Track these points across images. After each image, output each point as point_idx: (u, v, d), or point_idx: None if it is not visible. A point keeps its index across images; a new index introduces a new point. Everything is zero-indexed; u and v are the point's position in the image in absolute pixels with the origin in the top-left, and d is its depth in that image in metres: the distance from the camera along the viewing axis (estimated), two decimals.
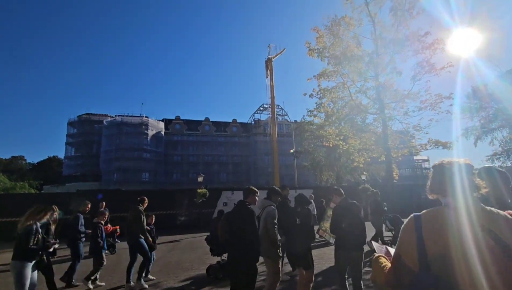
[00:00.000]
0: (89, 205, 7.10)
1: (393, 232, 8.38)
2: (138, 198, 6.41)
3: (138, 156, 51.79)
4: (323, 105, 11.59)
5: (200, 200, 14.52)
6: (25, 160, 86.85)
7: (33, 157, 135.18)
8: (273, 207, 4.34)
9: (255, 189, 4.21)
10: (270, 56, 47.97)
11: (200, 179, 15.01)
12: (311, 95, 11.65)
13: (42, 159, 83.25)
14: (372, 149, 14.23)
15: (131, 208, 6.25)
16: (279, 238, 4.33)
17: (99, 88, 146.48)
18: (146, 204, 6.42)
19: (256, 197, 4.18)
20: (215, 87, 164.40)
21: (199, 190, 14.27)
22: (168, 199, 15.32)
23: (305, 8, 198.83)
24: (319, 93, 11.42)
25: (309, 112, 37.83)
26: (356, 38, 10.87)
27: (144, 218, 6.18)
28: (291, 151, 30.94)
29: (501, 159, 27.77)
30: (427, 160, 68.68)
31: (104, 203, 9.47)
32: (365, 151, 14.52)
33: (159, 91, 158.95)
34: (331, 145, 12.84)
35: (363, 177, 17.28)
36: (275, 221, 4.18)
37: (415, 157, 66.98)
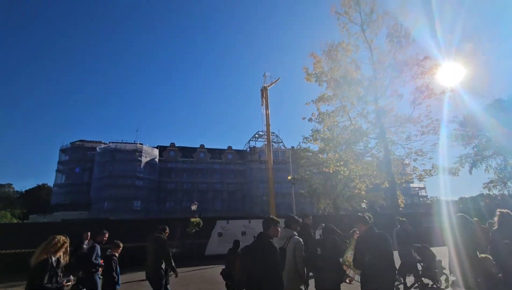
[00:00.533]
0: (107, 235, 6.66)
1: (422, 264, 7.67)
2: (159, 227, 6.00)
3: (131, 184, 50.62)
4: (321, 130, 11.36)
5: (194, 230, 13.74)
6: (13, 188, 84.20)
7: (23, 185, 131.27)
8: (298, 237, 3.98)
9: (277, 219, 3.64)
10: (265, 85, 49.16)
11: (193, 207, 14.33)
12: (310, 119, 11.51)
13: (30, 187, 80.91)
14: (374, 175, 13.72)
15: (153, 236, 5.65)
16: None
17: (94, 115, 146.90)
18: (168, 233, 5.98)
19: (279, 229, 3.62)
20: (211, 115, 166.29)
21: (192, 219, 13.54)
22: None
23: (300, 36, 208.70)
24: (318, 117, 11.29)
25: (305, 139, 38.32)
26: (354, 62, 11.01)
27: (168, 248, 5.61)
28: (289, 178, 30.36)
29: (497, 187, 27.69)
30: (424, 188, 68.41)
31: (89, 233, 8.74)
32: (367, 177, 13.98)
33: (155, 118, 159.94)
34: (331, 171, 12.38)
35: (363, 205, 16.75)
36: (303, 253, 3.85)
37: (411, 185, 66.75)
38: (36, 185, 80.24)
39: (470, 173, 30.76)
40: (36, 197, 73.59)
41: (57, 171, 55.87)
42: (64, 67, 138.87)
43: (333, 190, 33.61)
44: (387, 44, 10.42)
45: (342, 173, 11.44)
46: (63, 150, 55.79)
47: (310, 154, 36.78)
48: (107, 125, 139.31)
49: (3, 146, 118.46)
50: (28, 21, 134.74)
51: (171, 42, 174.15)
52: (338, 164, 11.83)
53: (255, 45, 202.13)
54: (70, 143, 56.14)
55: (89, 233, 8.86)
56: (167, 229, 6.01)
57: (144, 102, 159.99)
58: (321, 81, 11.23)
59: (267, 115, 49.18)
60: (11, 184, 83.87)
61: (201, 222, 13.87)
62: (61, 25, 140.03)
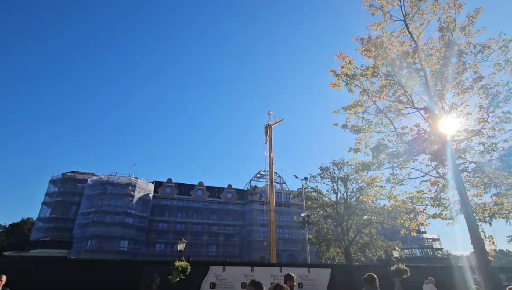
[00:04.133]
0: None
1: None
2: None
3: (120, 221, 46.26)
4: (361, 138, 8.57)
5: (177, 279, 10.21)
6: None
7: (10, 219, 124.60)
8: None
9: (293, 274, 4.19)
10: (269, 122, 47.89)
11: (180, 246, 10.91)
12: (344, 126, 8.84)
13: (15, 221, 76.02)
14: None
15: None
16: None
17: (91, 148, 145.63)
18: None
19: (294, 283, 3.98)
20: (212, 152, 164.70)
21: (176, 263, 10.01)
22: (129, 276, 10.85)
23: (306, 77, 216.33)
24: (354, 127, 8.63)
25: (312, 178, 35.22)
26: (400, 57, 8.64)
27: None
28: (303, 215, 26.50)
29: None
30: (438, 239, 62.74)
31: (4, 276, 5.60)
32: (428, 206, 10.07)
33: (153, 154, 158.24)
34: (370, 201, 8.99)
35: (396, 254, 13.21)
36: None
37: (424, 236, 61.37)
38: (20, 219, 75.58)
39: (490, 224, 27.17)
40: (20, 232, 68.78)
41: (43, 203, 51.93)
42: (61, 100, 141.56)
43: (345, 236, 29.53)
44: (438, 41, 8.26)
45: (391, 201, 8.16)
46: (53, 181, 52.47)
47: (315, 193, 33.57)
48: (104, 159, 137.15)
49: None
50: (19, 51, 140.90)
51: (171, 76, 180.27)
52: (379, 191, 8.64)
53: (260, 84, 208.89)
54: (62, 174, 53.05)
55: (4, 276, 5.69)
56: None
57: (144, 137, 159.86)
58: (352, 85, 8.82)
59: (270, 151, 47.25)
60: None
61: (188, 267, 10.35)
62: (56, 52, 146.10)
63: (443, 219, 8.00)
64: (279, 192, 58.83)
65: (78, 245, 44.58)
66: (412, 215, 8.26)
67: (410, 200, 8.27)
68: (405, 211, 8.44)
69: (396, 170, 7.91)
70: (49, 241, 47.89)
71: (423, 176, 8.14)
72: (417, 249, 59.82)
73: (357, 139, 8.81)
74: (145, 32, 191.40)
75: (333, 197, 32.64)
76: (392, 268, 13.11)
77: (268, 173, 46.82)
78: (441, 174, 7.88)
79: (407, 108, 8.20)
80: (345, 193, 31.54)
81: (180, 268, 10.08)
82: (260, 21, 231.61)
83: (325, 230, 31.03)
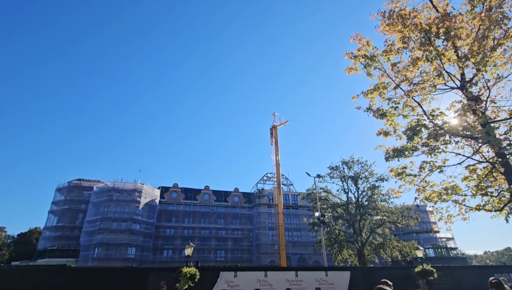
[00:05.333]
0: None
1: None
2: None
3: (126, 228, 45.69)
4: (392, 121, 7.64)
5: (186, 286, 9.42)
6: (6, 231, 79.80)
7: (19, 229, 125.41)
8: None
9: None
10: (274, 124, 47.18)
11: (188, 251, 10.10)
12: (368, 109, 7.95)
13: (24, 231, 76.39)
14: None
15: None
16: None
17: (96, 156, 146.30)
18: None
19: None
20: (218, 156, 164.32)
21: (184, 269, 9.23)
22: (134, 284, 10.08)
23: (310, 75, 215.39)
24: (379, 110, 7.70)
25: (321, 178, 34.22)
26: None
27: None
28: (316, 214, 25.39)
29: None
30: (452, 239, 60.75)
31: None
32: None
33: (159, 159, 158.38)
34: (398, 195, 7.76)
35: (419, 254, 12.17)
36: None
37: (438, 235, 59.51)
38: (28, 229, 75.86)
39: (507, 221, 25.81)
40: (28, 242, 69.09)
41: (50, 212, 51.64)
42: (68, 106, 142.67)
43: (358, 237, 28.41)
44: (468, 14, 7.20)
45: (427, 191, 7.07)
46: (59, 190, 52.23)
47: (325, 193, 32.56)
48: (109, 166, 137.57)
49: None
50: (23, 59, 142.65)
51: (179, 83, 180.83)
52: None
53: (265, 85, 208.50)
54: (68, 182, 52.82)
55: None
56: None
57: (149, 143, 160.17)
58: (371, 68, 7.98)
59: (276, 152, 46.39)
60: (4, 227, 79.69)
61: (197, 273, 9.54)
62: (56, 53, 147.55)
63: (487, 211, 7.06)
64: (286, 194, 57.85)
65: (85, 254, 44.10)
66: (447, 209, 7.31)
67: (445, 192, 7.33)
68: (437, 204, 7.48)
69: (433, 155, 6.96)
70: (56, 250, 47.57)
71: (461, 162, 7.14)
72: (430, 248, 58.00)
73: (388, 120, 7.84)
74: (150, 38, 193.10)
75: (344, 197, 31.68)
76: (416, 270, 12.13)
77: (275, 175, 45.99)
78: (488, 158, 6.92)
79: (442, 84, 7.25)
80: (356, 192, 30.56)
81: (188, 275, 9.28)
82: (266, 24, 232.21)
83: (337, 231, 29.98)
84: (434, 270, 11.60)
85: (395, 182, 7.87)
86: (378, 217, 30.44)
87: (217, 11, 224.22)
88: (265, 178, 62.74)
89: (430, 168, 7.16)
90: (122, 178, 49.50)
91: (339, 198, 32.57)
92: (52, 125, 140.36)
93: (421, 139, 7.03)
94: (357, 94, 8.23)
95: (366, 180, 30.77)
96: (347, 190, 31.07)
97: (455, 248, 61.05)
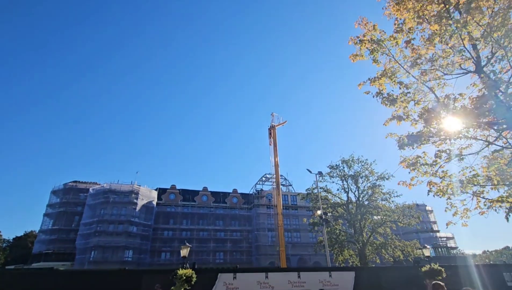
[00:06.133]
0: None
1: None
2: None
3: (123, 230, 44.90)
4: (405, 105, 7.06)
5: (182, 289, 8.85)
6: (1, 235, 78.69)
7: (14, 232, 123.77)
8: None
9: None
10: (273, 124, 46.76)
11: (184, 251, 9.52)
12: (378, 93, 7.43)
13: (19, 235, 75.32)
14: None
15: None
16: None
17: (92, 157, 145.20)
18: None
19: None
20: (216, 157, 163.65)
21: (179, 271, 8.65)
22: (127, 286, 9.47)
23: (309, 78, 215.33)
24: (389, 96, 7.20)
25: (320, 177, 33.70)
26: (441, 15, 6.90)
27: None
28: (318, 213, 24.72)
29: None
30: (452, 238, 60.37)
31: None
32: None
33: (156, 161, 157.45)
34: (412, 184, 6.97)
35: (427, 253, 11.71)
36: None
37: (438, 235, 59.18)
38: (24, 233, 74.80)
39: (507, 219, 25.45)
40: (23, 246, 68.12)
41: (45, 215, 50.79)
42: (64, 108, 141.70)
43: (359, 237, 27.89)
44: None
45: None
46: (54, 192, 51.42)
47: (325, 193, 32.05)
48: (106, 168, 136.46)
49: None
50: (22, 61, 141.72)
51: (173, 80, 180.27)
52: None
53: (263, 85, 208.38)
54: (63, 184, 51.99)
55: None
56: None
57: (146, 144, 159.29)
58: (378, 53, 7.47)
59: (275, 152, 45.89)
60: None
61: (193, 275, 8.96)
62: (57, 63, 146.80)
63: (509, 203, 6.56)
64: (285, 194, 57.34)
65: (81, 257, 43.27)
66: (463, 202, 6.82)
67: (460, 183, 6.82)
68: (451, 199, 6.98)
69: (452, 141, 6.44)
70: (52, 253, 46.65)
71: (482, 149, 6.59)
72: (431, 248, 57.60)
73: (399, 107, 7.29)
74: (147, 38, 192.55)
75: (344, 197, 31.19)
76: (423, 269, 11.62)
77: (274, 176, 45.49)
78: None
79: (460, 63, 6.72)
80: (356, 191, 30.07)
81: (184, 277, 8.70)
82: (263, 25, 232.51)
83: (337, 232, 29.44)
84: (443, 270, 11.10)
85: (409, 172, 7.34)
86: (379, 217, 29.97)
87: (217, 11, 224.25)
88: (264, 178, 62.26)
89: (448, 157, 6.65)
90: (119, 180, 48.79)
91: (339, 198, 32.07)
92: (47, 127, 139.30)
93: (438, 125, 6.52)
94: (363, 81, 7.74)
95: (366, 179, 30.32)
96: (347, 190, 30.59)
97: (455, 248, 60.68)
